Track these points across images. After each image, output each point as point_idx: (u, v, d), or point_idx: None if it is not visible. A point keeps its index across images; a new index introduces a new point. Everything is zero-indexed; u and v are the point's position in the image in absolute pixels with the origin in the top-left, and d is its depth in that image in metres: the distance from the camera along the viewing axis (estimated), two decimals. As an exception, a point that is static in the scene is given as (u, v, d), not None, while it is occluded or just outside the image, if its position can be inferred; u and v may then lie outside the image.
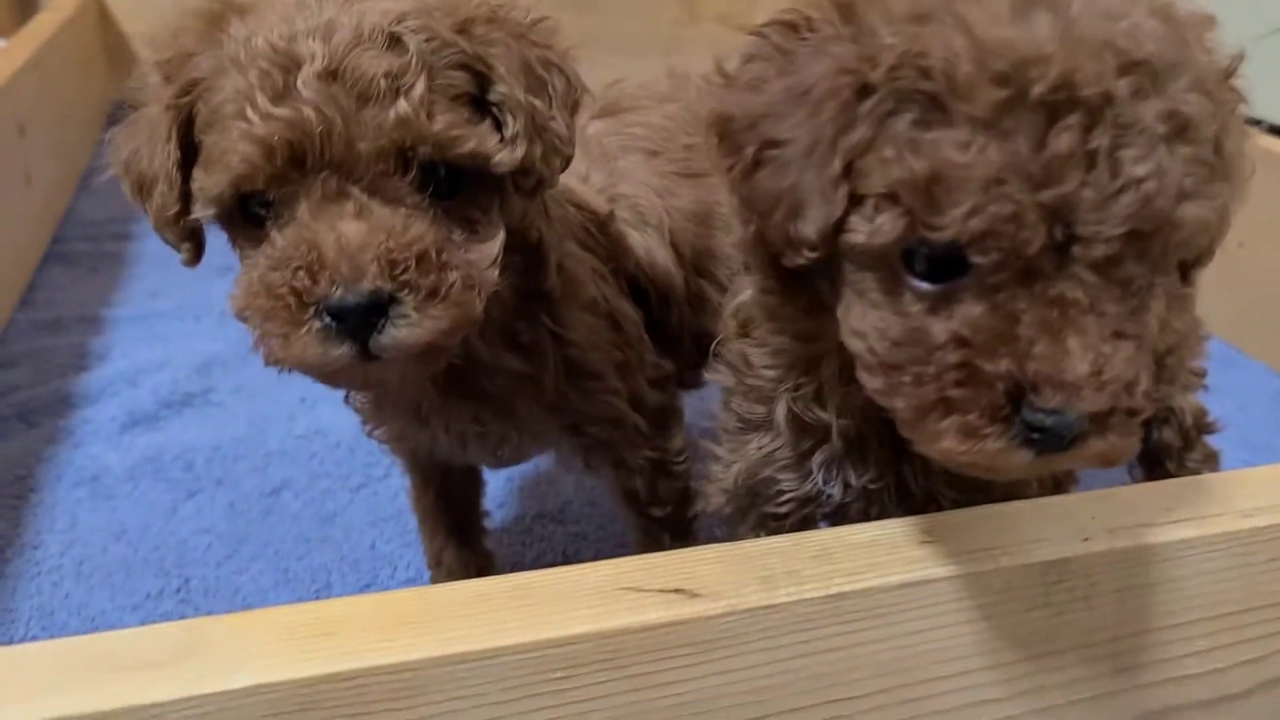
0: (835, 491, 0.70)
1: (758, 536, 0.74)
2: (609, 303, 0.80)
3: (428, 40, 0.63)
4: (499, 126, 0.66)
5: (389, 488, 1.13)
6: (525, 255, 0.75)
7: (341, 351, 0.60)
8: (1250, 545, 0.64)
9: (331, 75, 0.60)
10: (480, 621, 0.55)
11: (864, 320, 0.56)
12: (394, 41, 0.62)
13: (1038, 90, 0.48)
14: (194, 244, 0.70)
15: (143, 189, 0.68)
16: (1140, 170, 0.49)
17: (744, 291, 0.71)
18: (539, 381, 0.78)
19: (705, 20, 2.63)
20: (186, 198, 0.66)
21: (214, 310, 1.51)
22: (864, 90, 0.53)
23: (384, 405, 0.80)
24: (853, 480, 0.69)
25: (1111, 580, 0.63)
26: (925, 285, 0.53)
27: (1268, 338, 1.41)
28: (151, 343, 1.41)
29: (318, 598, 0.97)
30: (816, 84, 0.54)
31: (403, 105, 0.61)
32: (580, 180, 0.85)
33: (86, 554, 1.02)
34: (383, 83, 0.61)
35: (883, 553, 0.61)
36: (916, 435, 0.55)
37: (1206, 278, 1.22)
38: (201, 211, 0.65)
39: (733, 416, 0.74)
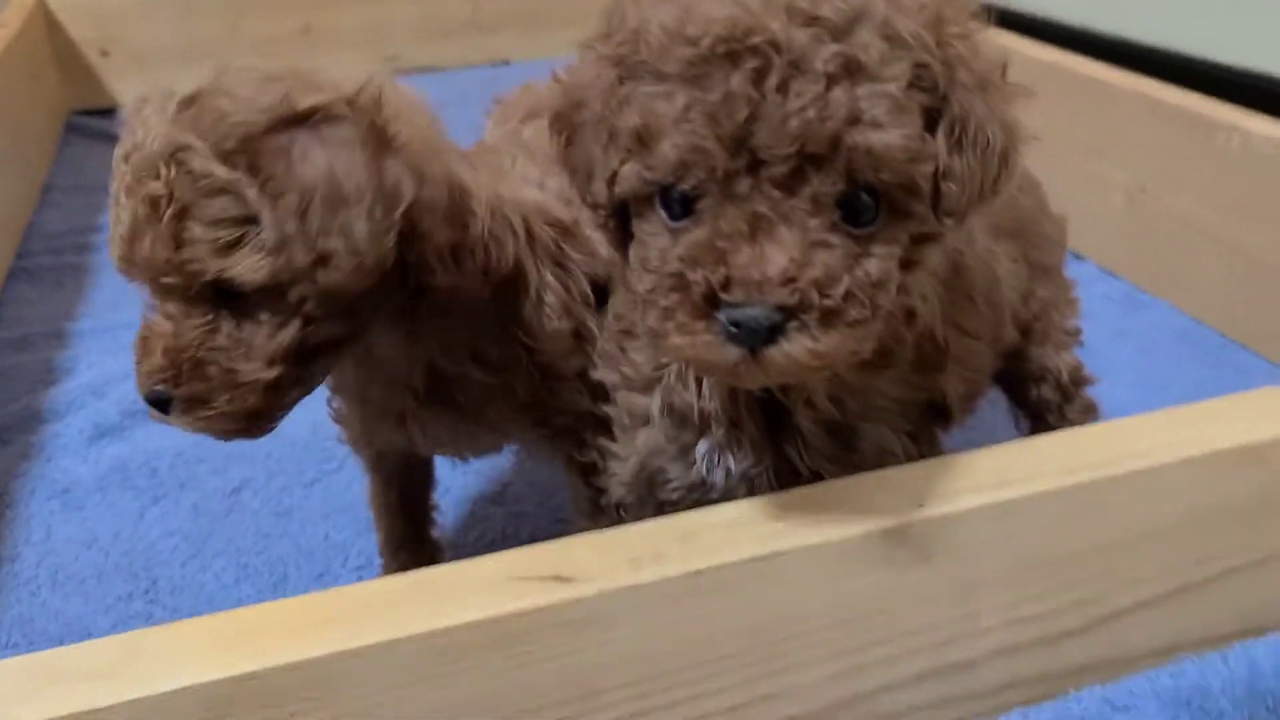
0: (719, 479, 0.78)
1: None
2: (577, 315, 0.87)
3: (190, 172, 0.68)
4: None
5: (340, 480, 1.21)
6: (502, 286, 0.82)
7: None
8: (1072, 499, 0.73)
9: (130, 193, 0.71)
10: (382, 616, 0.63)
11: (635, 257, 0.67)
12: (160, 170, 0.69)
13: (716, 45, 0.59)
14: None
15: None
16: (801, 102, 0.59)
17: (617, 302, 0.80)
18: (511, 388, 0.85)
19: None
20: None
21: (174, 316, 1.58)
22: (616, 67, 0.64)
23: (368, 414, 0.88)
24: (733, 467, 0.77)
25: (944, 541, 0.71)
26: (671, 223, 0.64)
27: (1170, 278, 1.49)
28: (115, 353, 1.47)
29: (275, 589, 1.06)
30: (600, 73, 0.66)
31: (150, 238, 0.70)
32: (537, 188, 0.91)
33: (61, 563, 1.10)
34: (147, 209, 0.70)
35: (740, 529, 0.69)
36: (660, 343, 0.66)
37: (1112, 222, 1.28)
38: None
39: (622, 413, 0.82)
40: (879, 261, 0.63)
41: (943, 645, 0.74)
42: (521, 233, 0.83)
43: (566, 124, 0.68)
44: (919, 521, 0.70)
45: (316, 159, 0.68)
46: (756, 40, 0.59)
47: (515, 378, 0.85)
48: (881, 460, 0.77)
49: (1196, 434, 0.75)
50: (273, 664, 0.61)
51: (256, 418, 0.74)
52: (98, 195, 2.00)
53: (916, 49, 0.61)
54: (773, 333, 0.60)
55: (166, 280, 0.70)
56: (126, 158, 0.70)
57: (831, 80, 0.59)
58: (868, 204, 0.62)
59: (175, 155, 0.68)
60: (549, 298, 0.85)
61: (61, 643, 0.99)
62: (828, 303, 0.60)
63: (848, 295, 0.61)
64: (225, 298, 0.70)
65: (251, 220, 0.68)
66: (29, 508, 1.18)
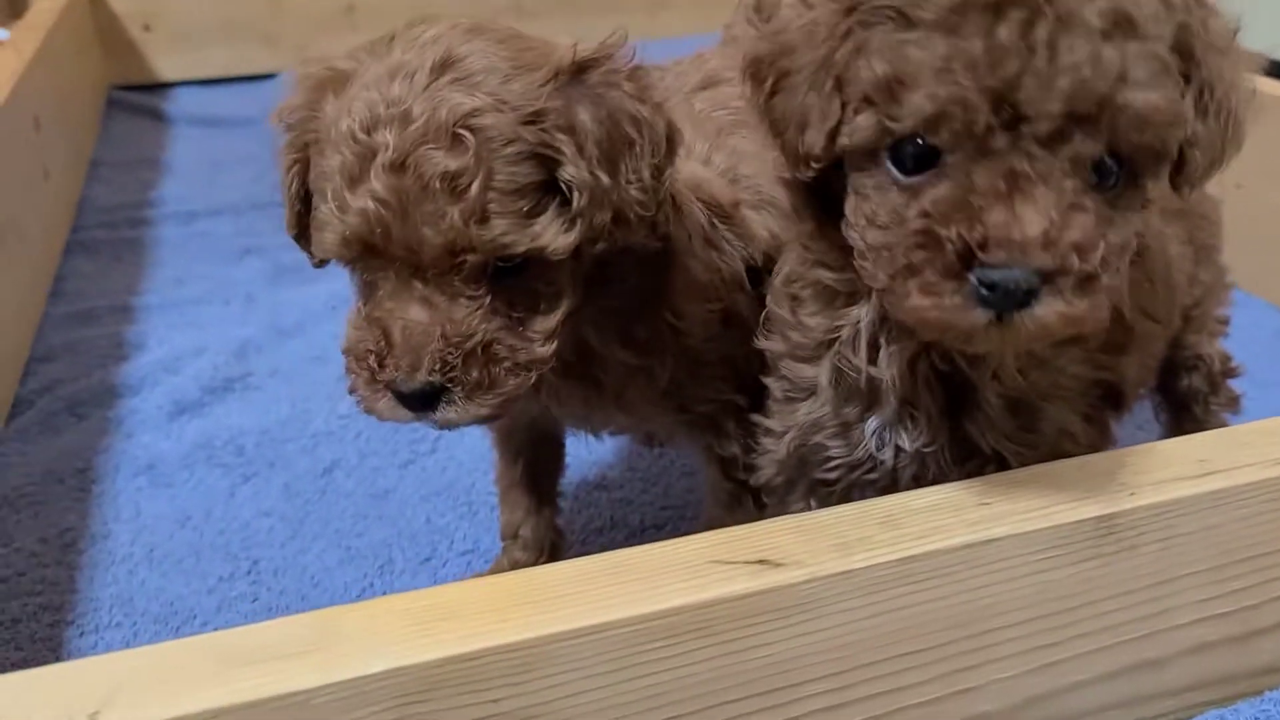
0: (888, 457, 0.75)
1: (807, 505, 0.79)
2: (726, 298, 0.84)
3: (494, 138, 0.65)
4: (568, 201, 0.68)
5: (436, 462, 1.17)
6: (650, 263, 0.78)
7: (409, 417, 0.70)
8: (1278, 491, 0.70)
9: (399, 168, 0.64)
10: (584, 600, 0.60)
11: (857, 213, 0.64)
12: (457, 140, 0.64)
13: None
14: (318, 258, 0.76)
15: (285, 208, 0.74)
16: (1073, 58, 0.55)
17: (790, 260, 0.76)
18: (653, 372, 0.82)
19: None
20: (305, 224, 0.72)
21: (239, 293, 1.54)
22: (849, 13, 0.61)
23: None
24: (905, 445, 0.73)
25: (1155, 531, 0.68)
26: (904, 178, 0.60)
27: (1268, 276, 1.46)
28: (185, 329, 1.44)
29: (381, 573, 1.02)
30: (818, 17, 0.63)
31: (456, 213, 0.64)
32: (703, 163, 0.87)
33: (155, 541, 1.06)
34: (441, 183, 0.64)
35: (945, 516, 0.66)
36: (892, 302, 0.62)
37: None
38: (316, 254, 0.72)
39: (782, 384, 0.78)
40: (1124, 226, 0.61)
41: (1137, 641, 0.71)
42: (671, 209, 0.79)
43: (772, 69, 0.65)
44: (1130, 510, 0.67)
45: (599, 111, 0.68)
46: None
47: (660, 361, 0.81)
48: (1060, 441, 0.74)
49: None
50: (477, 648, 0.57)
51: (522, 397, 0.72)
52: (144, 170, 1.98)
53: (1180, 9, 0.59)
54: (1028, 296, 0.57)
55: (458, 260, 0.66)
56: (368, 130, 0.65)
57: (1104, 36, 0.56)
58: (1112, 168, 0.60)
59: (470, 123, 0.64)
60: (698, 277, 0.82)
61: (167, 624, 0.96)
62: (1086, 267, 0.57)
63: (1103, 260, 0.58)
64: (500, 275, 0.68)
65: (549, 187, 0.67)
66: (115, 484, 1.14)
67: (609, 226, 0.70)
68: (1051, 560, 0.66)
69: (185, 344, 1.40)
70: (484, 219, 0.65)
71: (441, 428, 0.71)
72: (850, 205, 0.65)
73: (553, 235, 0.67)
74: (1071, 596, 0.68)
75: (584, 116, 0.68)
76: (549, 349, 0.71)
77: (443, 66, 0.66)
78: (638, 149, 0.70)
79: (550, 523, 0.97)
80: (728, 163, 0.88)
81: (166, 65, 2.39)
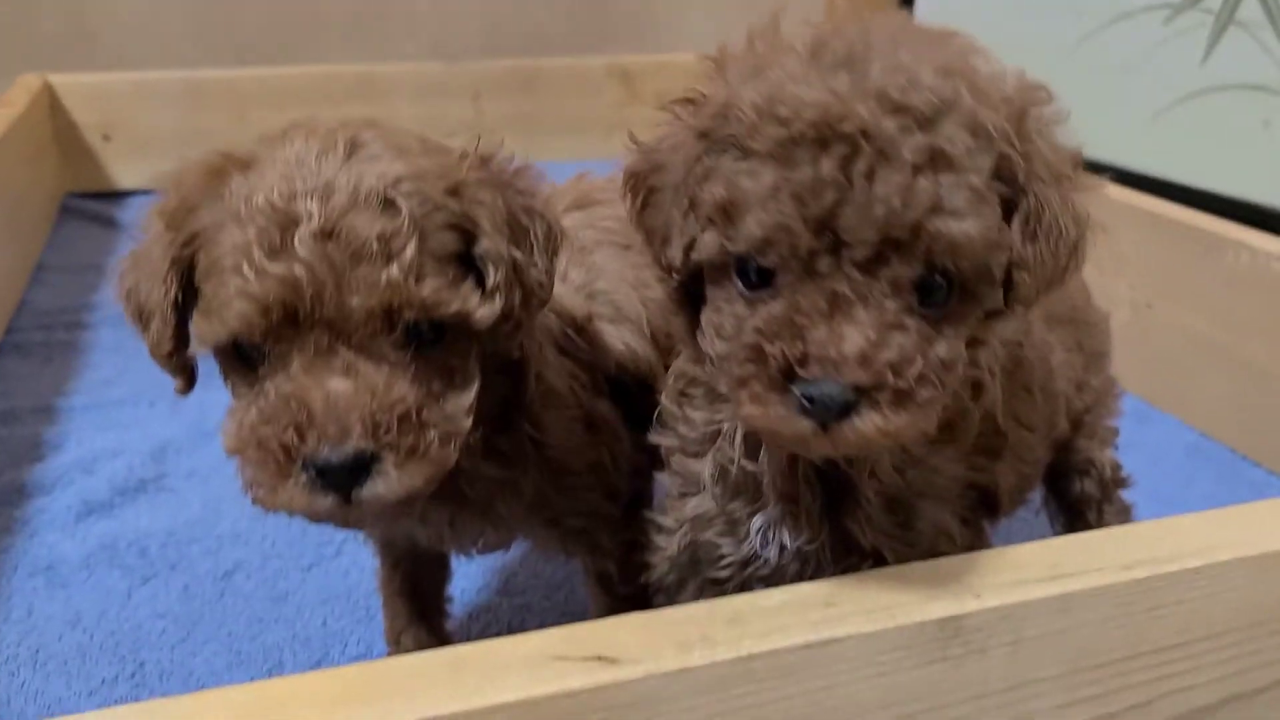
0: (772, 554, 0.75)
1: None
2: (586, 406, 0.84)
3: (421, 204, 0.66)
4: (480, 279, 0.70)
5: (340, 565, 1.16)
6: (506, 371, 0.78)
7: (326, 502, 0.65)
8: (1130, 596, 0.70)
9: (327, 235, 0.63)
10: (416, 693, 0.59)
11: (709, 323, 0.67)
12: (388, 204, 0.65)
13: (807, 128, 0.60)
14: (187, 376, 0.75)
15: (141, 319, 0.72)
16: (887, 189, 0.60)
17: (681, 357, 0.78)
18: (518, 484, 0.81)
19: (645, 100, 2.72)
20: (181, 335, 0.70)
21: (167, 395, 1.53)
22: (701, 139, 0.66)
23: None
24: (788, 542, 0.75)
25: (1003, 634, 0.68)
26: (748, 292, 0.64)
27: (1178, 393, 1.49)
28: (106, 430, 1.44)
29: (269, 675, 1.00)
30: (680, 140, 0.67)
31: (394, 270, 0.64)
32: (560, 279, 0.88)
33: (42, 642, 1.04)
34: (375, 244, 0.64)
35: (791, 615, 0.66)
36: (735, 410, 0.66)
37: (1118, 337, 1.29)
38: (196, 351, 0.70)
39: (675, 480, 0.79)
40: (949, 343, 0.64)
41: (992, 748, 0.71)
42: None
43: (644, 185, 0.69)
44: (976, 612, 0.67)
45: (502, 195, 0.71)
46: (846, 127, 0.60)
47: (523, 472, 0.81)
48: (938, 540, 0.76)
49: (1254, 533, 0.73)
50: (299, 741, 0.57)
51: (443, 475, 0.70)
52: (90, 275, 1.99)
53: (999, 141, 0.63)
54: (846, 409, 0.60)
55: (390, 321, 0.66)
56: (288, 199, 0.65)
57: (917, 170, 0.60)
58: (940, 285, 0.63)
59: (401, 188, 0.66)
60: (555, 385, 0.83)
61: (40, 727, 0.94)
62: (900, 384, 0.60)
63: (920, 377, 0.61)
64: (419, 346, 0.68)
65: (464, 260, 0.69)
66: (10, 584, 1.13)
67: (517, 308, 0.71)
68: (896, 662, 0.66)
69: (104, 444, 1.39)
70: (420, 277, 0.65)
71: (362, 510, 0.66)
72: (705, 315, 0.68)
73: (477, 303, 0.68)
74: (919, 699, 0.68)
75: (494, 196, 0.71)
76: (468, 423, 0.70)
77: (354, 146, 0.68)
78: (533, 236, 0.73)
79: (436, 630, 0.96)
80: (585, 278, 0.91)
81: (124, 174, 2.43)
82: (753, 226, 0.61)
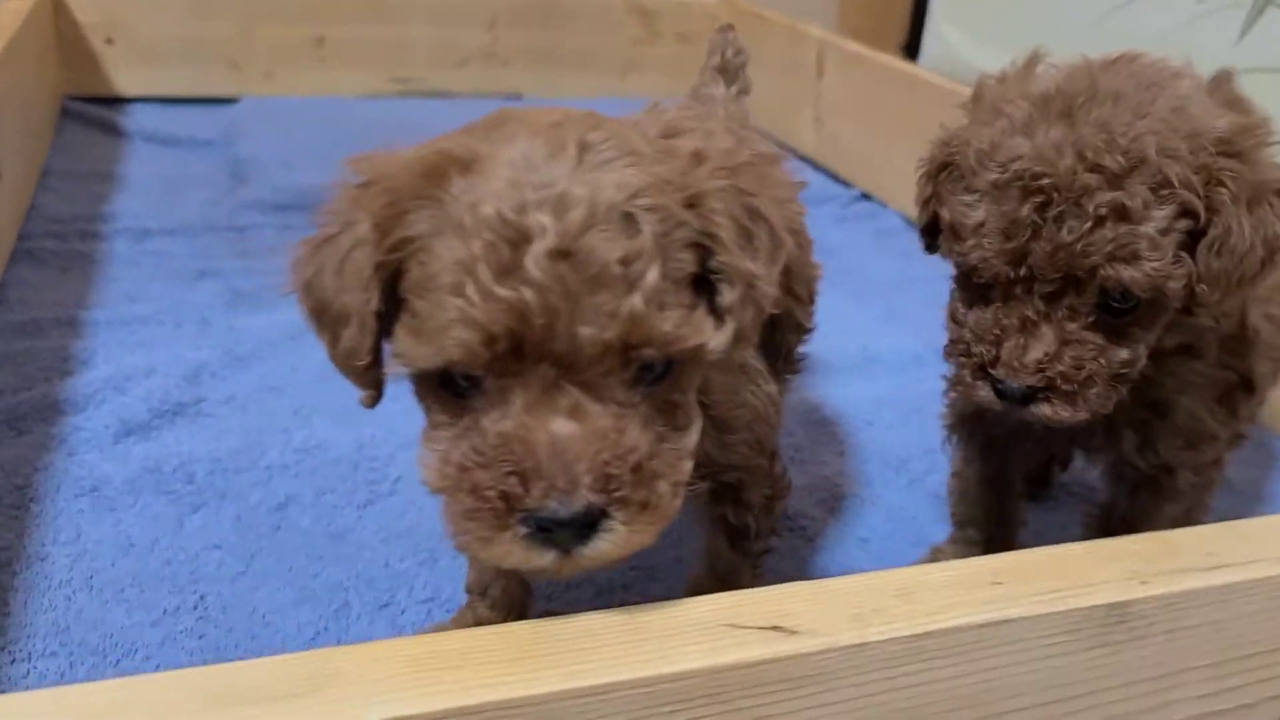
0: None
1: None
2: (738, 357, 0.79)
3: (661, 220, 0.59)
4: (711, 296, 0.62)
5: (397, 505, 1.13)
6: None
7: (545, 559, 0.59)
8: (1283, 590, 0.69)
9: (562, 255, 0.56)
10: (595, 657, 0.57)
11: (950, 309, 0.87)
12: (628, 221, 0.58)
13: (1015, 178, 0.75)
14: (378, 390, 0.67)
15: (326, 320, 0.64)
16: (1070, 236, 0.73)
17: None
18: None
19: (664, 38, 2.66)
20: (377, 347, 0.63)
21: (194, 316, 1.49)
22: (943, 167, 0.83)
23: None
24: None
25: (1164, 622, 0.67)
26: (968, 295, 0.84)
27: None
28: (134, 349, 1.38)
29: (336, 617, 0.97)
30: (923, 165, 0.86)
31: (636, 300, 0.57)
32: None
33: (96, 567, 1.00)
34: (616, 269, 0.56)
35: (959, 591, 0.64)
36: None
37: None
38: (397, 372, 0.61)
39: None
40: (1131, 346, 0.79)
41: (1136, 734, 0.70)
42: None
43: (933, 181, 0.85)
44: (1142, 599, 0.66)
45: (738, 210, 0.64)
46: (1046, 181, 0.73)
47: None
48: (1193, 426, 0.88)
49: None
50: (480, 701, 0.54)
51: None
52: (97, 183, 1.92)
53: (1181, 190, 0.73)
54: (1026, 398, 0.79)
55: (626, 358, 0.59)
56: (519, 212, 0.57)
57: (1099, 222, 0.73)
58: (1120, 303, 0.77)
59: (641, 202, 0.59)
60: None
61: (105, 656, 0.90)
62: (1067, 386, 0.77)
63: (1087, 378, 0.77)
64: (647, 384, 0.61)
65: (697, 281, 0.62)
66: (55, 504, 1.08)
67: (747, 325, 0.64)
68: (1063, 645, 0.65)
69: (134, 363, 1.33)
70: (661, 307, 0.58)
71: (580, 570, 0.60)
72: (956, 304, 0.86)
73: (711, 331, 0.61)
74: (1078, 684, 0.66)
75: (732, 205, 0.63)
76: (690, 467, 0.63)
77: (584, 147, 0.60)
78: (758, 243, 0.65)
79: (520, 582, 0.93)
80: None
81: (126, 80, 2.34)
82: (970, 248, 0.77)
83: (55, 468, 1.13)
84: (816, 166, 2.30)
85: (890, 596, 0.63)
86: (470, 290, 0.56)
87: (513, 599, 0.92)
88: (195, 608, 0.97)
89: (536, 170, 0.58)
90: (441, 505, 0.61)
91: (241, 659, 0.89)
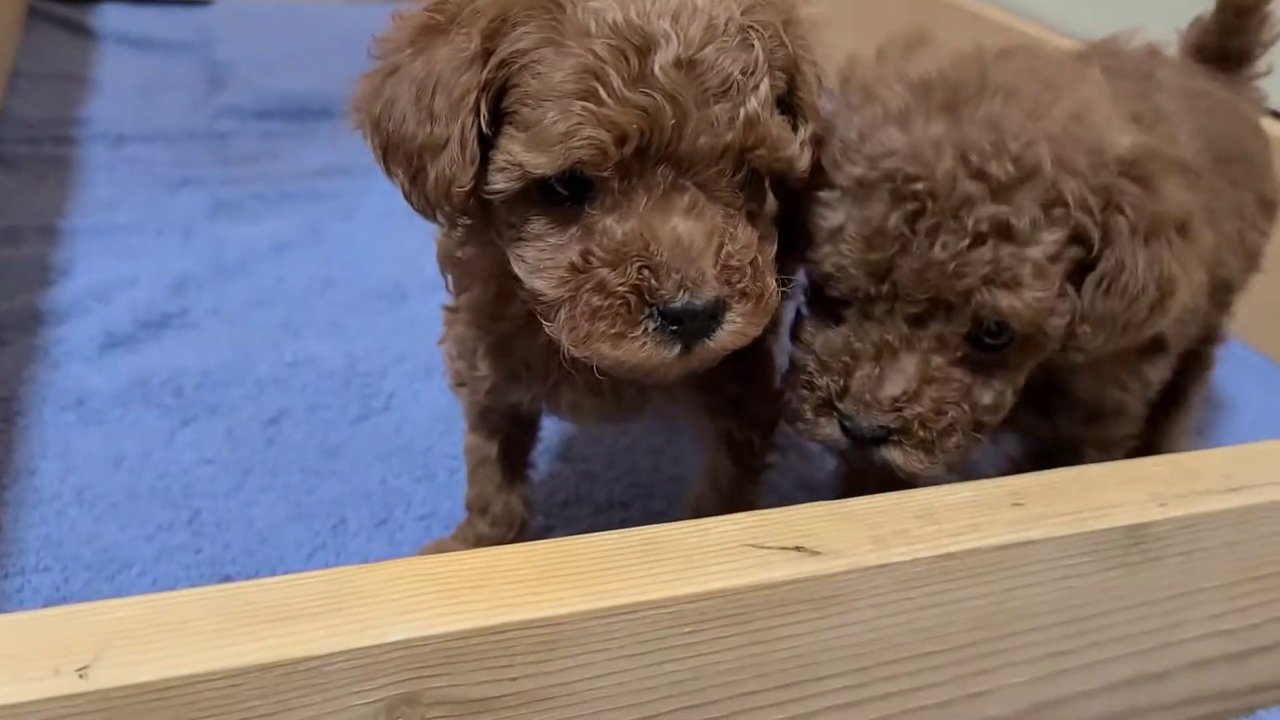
0: None
1: None
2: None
3: (770, 38, 0.62)
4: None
5: (390, 421, 1.11)
6: None
7: (673, 354, 0.60)
8: (1300, 512, 0.69)
9: (689, 65, 0.58)
10: (618, 576, 0.56)
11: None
12: (743, 36, 0.60)
13: (883, 177, 0.64)
14: (472, 217, 0.66)
15: (399, 152, 0.63)
16: (943, 254, 0.63)
17: None
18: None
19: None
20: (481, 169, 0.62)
21: (175, 225, 1.45)
22: None
23: (514, 370, 0.78)
24: None
25: (1180, 544, 0.67)
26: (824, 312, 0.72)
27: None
28: (117, 257, 1.35)
29: (334, 533, 0.96)
30: None
31: (752, 105, 0.59)
32: None
33: (87, 481, 0.98)
34: (739, 79, 0.59)
35: (980, 513, 0.64)
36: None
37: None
38: (506, 185, 0.61)
39: None
40: (997, 386, 0.69)
41: (1145, 654, 0.70)
42: None
43: None
44: (1161, 521, 0.65)
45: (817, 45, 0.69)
46: (919, 186, 0.63)
47: None
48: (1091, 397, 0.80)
49: None
50: (503, 621, 0.53)
51: None
52: (70, 86, 1.86)
53: (1076, 211, 0.64)
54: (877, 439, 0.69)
55: (740, 160, 0.63)
56: (645, 18, 0.59)
57: (978, 239, 0.63)
58: (994, 334, 0.67)
59: (756, 19, 0.62)
60: None
61: (100, 571, 0.89)
62: (925, 432, 0.67)
63: (948, 428, 0.67)
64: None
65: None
66: (42, 417, 1.06)
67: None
68: (1080, 566, 0.65)
69: (117, 273, 1.30)
70: (771, 115, 0.61)
71: (692, 364, 0.62)
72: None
73: (799, 149, 0.64)
74: (1092, 604, 0.66)
75: (813, 39, 0.67)
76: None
77: None
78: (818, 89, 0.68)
79: (522, 498, 0.92)
80: None
81: (94, -22, 2.25)
82: (824, 257, 0.66)
83: (40, 380, 1.11)
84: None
85: (912, 518, 0.63)
86: (602, 94, 0.57)
87: (513, 515, 0.91)
88: (190, 523, 0.95)
89: None
90: (559, 313, 0.62)
91: (240, 576, 0.91)
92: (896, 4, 1.98)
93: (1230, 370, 1.37)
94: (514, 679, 0.54)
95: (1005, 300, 0.63)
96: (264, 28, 2.17)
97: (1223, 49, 0.97)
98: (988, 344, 0.67)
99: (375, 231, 1.47)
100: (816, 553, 0.59)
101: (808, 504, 0.63)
